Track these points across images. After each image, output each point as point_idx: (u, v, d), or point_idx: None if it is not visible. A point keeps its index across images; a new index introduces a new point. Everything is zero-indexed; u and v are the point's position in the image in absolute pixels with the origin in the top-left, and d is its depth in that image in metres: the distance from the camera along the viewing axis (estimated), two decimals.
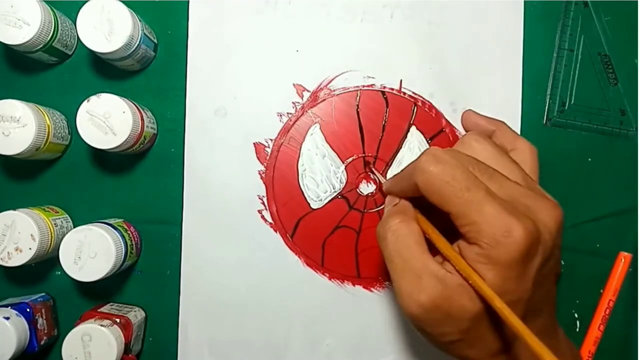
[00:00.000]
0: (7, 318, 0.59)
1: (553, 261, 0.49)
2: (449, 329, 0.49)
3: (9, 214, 0.59)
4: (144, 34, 0.63)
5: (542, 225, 0.47)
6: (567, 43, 0.68)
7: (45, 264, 0.66)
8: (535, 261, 0.47)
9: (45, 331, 0.64)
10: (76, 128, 0.58)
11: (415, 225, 0.51)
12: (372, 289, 0.68)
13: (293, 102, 0.68)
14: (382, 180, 0.66)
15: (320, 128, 0.68)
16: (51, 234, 0.61)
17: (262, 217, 0.68)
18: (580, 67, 0.68)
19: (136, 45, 0.61)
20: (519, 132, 0.67)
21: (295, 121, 0.68)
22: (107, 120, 0.58)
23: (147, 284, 0.68)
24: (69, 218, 0.67)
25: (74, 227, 0.62)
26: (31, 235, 0.59)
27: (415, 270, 0.48)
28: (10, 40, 0.59)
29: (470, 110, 0.66)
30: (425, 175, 0.48)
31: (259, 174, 0.68)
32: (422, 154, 0.49)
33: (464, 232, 0.48)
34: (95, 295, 0.68)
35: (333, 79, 0.68)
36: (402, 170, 0.56)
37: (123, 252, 0.61)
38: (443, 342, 0.50)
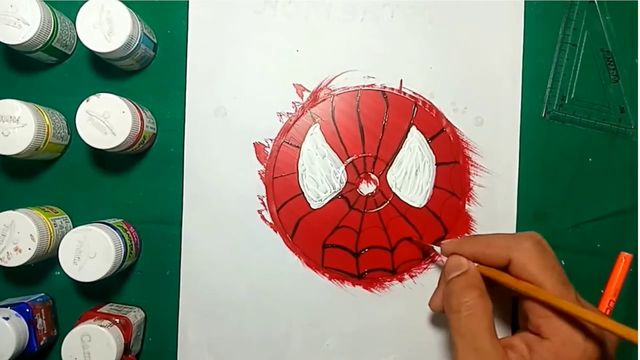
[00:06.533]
0: (7, 318, 0.59)
1: None
2: None
3: (8, 214, 0.59)
4: (144, 33, 0.62)
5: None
6: (570, 37, 0.68)
7: (45, 264, 0.66)
8: None
9: (45, 331, 0.64)
10: (76, 128, 0.58)
11: (490, 303, 0.52)
12: (372, 289, 0.68)
13: (293, 102, 0.68)
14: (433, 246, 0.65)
15: (320, 128, 0.67)
16: (50, 234, 0.61)
17: (262, 217, 0.68)
18: (582, 62, 0.68)
19: (136, 45, 0.61)
20: (518, 126, 0.68)
21: (295, 121, 0.68)
22: (107, 120, 0.58)
23: (147, 284, 0.68)
24: (68, 218, 0.67)
25: (74, 227, 0.62)
26: (30, 235, 0.58)
27: (485, 350, 0.50)
28: (10, 40, 0.59)
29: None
30: (528, 255, 0.51)
31: (259, 174, 0.67)
32: (525, 235, 0.53)
33: (540, 323, 0.50)
34: (95, 296, 0.68)
35: (333, 79, 0.68)
36: (482, 235, 0.58)
37: (122, 252, 0.61)
38: None
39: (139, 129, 0.61)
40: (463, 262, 0.56)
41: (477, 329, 0.51)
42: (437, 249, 0.62)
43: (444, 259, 0.59)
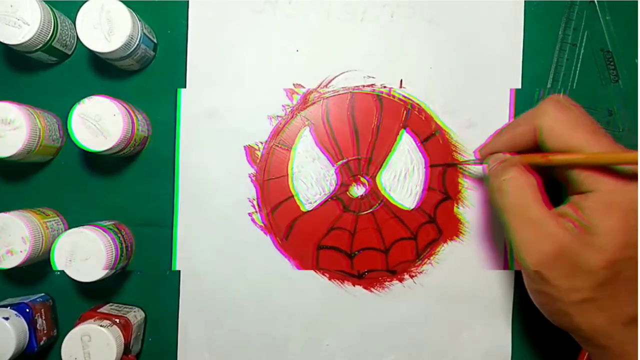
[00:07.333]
0: (7, 318, 0.60)
1: None
2: (580, 283, 0.47)
3: (1, 216, 0.59)
4: (144, 33, 0.63)
5: None
6: (570, 37, 0.67)
7: (45, 264, 0.66)
8: None
9: (45, 331, 0.64)
10: (68, 130, 0.58)
11: (533, 178, 0.51)
12: (372, 289, 0.68)
13: (283, 105, 0.67)
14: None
15: (311, 130, 0.67)
16: (44, 236, 0.61)
17: (254, 220, 0.68)
18: (582, 62, 0.67)
19: (136, 45, 0.61)
20: None
21: (286, 124, 0.67)
22: (99, 123, 0.58)
23: (147, 284, 0.68)
24: (61, 220, 0.67)
25: (67, 229, 0.62)
26: (23, 237, 0.59)
27: (538, 219, 0.48)
28: (9, 40, 0.59)
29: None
30: (551, 117, 0.50)
31: (251, 176, 0.67)
32: (544, 100, 0.52)
33: (582, 181, 0.48)
34: (95, 296, 0.68)
35: (333, 79, 0.67)
36: (508, 124, 0.57)
37: (116, 254, 0.61)
38: (571, 301, 0.48)
39: (131, 132, 0.61)
40: (500, 155, 0.56)
41: (524, 201, 0.49)
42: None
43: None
